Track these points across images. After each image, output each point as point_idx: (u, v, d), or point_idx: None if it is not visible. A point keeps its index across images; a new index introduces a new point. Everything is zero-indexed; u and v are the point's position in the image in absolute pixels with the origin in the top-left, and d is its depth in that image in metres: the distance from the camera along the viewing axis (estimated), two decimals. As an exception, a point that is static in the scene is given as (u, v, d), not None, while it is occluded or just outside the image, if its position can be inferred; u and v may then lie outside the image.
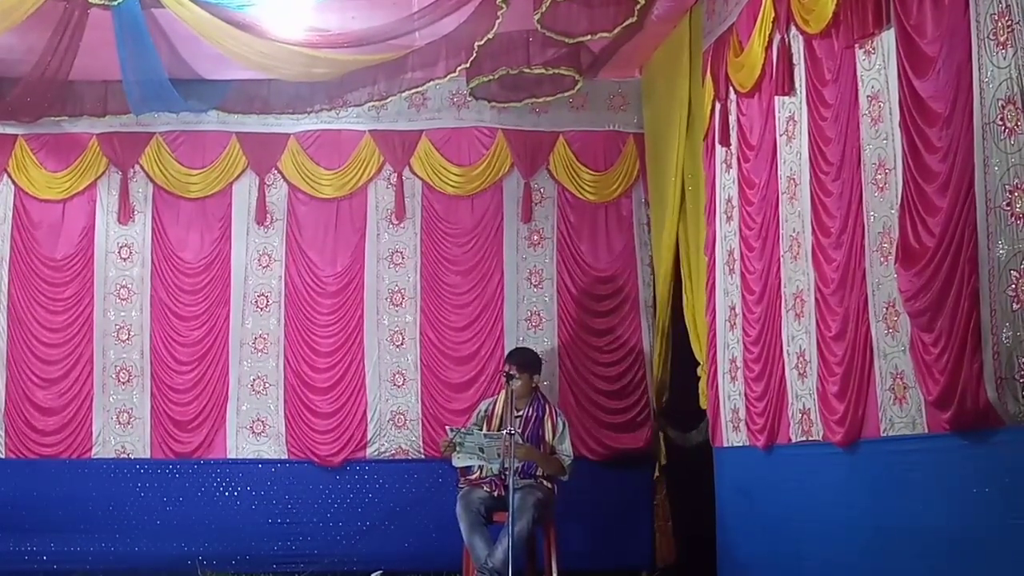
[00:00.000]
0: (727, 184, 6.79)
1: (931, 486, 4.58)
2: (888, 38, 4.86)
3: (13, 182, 8.59)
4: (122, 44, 6.98)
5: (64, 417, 8.43)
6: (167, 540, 8.24)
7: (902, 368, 4.75)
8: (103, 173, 8.63)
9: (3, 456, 8.38)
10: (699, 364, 7.30)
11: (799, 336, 5.77)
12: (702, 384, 7.28)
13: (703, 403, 7.29)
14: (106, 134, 8.58)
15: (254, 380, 8.48)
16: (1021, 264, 3.87)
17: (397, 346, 8.46)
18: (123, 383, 8.49)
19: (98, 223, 8.61)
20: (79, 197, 8.62)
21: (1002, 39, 3.97)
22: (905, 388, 4.75)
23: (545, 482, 6.79)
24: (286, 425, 8.42)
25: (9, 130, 8.54)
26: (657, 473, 7.97)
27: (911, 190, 4.57)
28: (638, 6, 6.69)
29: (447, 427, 6.87)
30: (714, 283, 7.00)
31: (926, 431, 4.60)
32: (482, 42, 7.01)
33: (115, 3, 6.56)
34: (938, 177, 4.39)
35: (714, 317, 7.00)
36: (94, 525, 8.26)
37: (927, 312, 4.43)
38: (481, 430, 6.78)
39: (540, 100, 8.09)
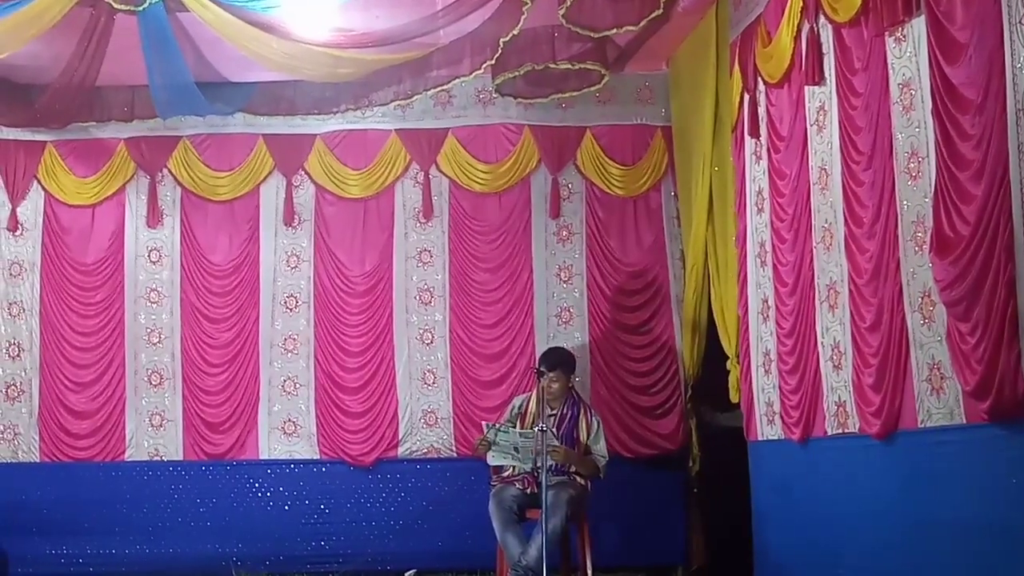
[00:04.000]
0: (757, 176, 6.75)
1: (970, 477, 4.54)
2: (918, 25, 4.81)
3: (43, 188, 8.66)
4: (148, 49, 7.00)
5: (97, 420, 8.49)
6: (201, 541, 8.29)
7: (939, 358, 4.71)
8: (131, 177, 8.67)
9: (38, 460, 8.46)
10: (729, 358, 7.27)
11: (833, 328, 5.72)
12: (732, 378, 7.24)
13: (734, 397, 7.25)
14: (134, 139, 8.62)
15: (285, 381, 8.51)
16: (1059, 251, 3.83)
17: (427, 344, 8.46)
18: (155, 386, 8.54)
19: (127, 227, 8.66)
20: (108, 202, 8.67)
21: (1034, 24, 3.93)
22: (942, 378, 4.70)
23: (578, 479, 6.76)
24: (317, 425, 8.44)
25: (38, 137, 8.61)
26: (691, 464, 7.94)
27: (944, 178, 4.53)
28: (664, -1, 6.67)
29: (484, 423, 6.83)
30: (746, 276, 6.96)
31: (964, 422, 4.56)
32: (507, 38, 6.98)
33: (140, 8, 6.59)
34: (972, 165, 4.35)
35: (746, 310, 6.96)
36: (128, 527, 8.33)
37: (963, 301, 4.40)
38: (515, 427, 6.75)
39: (566, 95, 8.03)
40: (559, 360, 6.93)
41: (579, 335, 8.36)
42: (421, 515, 8.29)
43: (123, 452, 8.47)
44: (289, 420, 8.46)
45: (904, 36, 4.95)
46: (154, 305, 8.61)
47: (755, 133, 6.73)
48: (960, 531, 4.57)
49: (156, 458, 8.46)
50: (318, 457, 8.41)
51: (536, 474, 6.44)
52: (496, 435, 6.51)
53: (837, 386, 5.72)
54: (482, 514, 6.70)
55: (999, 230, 4.14)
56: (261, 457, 8.43)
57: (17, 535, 8.10)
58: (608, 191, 8.45)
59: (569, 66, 7.56)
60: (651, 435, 8.19)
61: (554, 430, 6.59)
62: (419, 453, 8.37)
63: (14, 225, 8.63)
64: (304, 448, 8.43)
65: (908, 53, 4.93)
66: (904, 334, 4.98)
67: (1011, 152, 4.07)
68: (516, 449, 6.48)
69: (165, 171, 8.67)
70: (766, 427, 6.73)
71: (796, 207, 6.15)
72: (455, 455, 8.31)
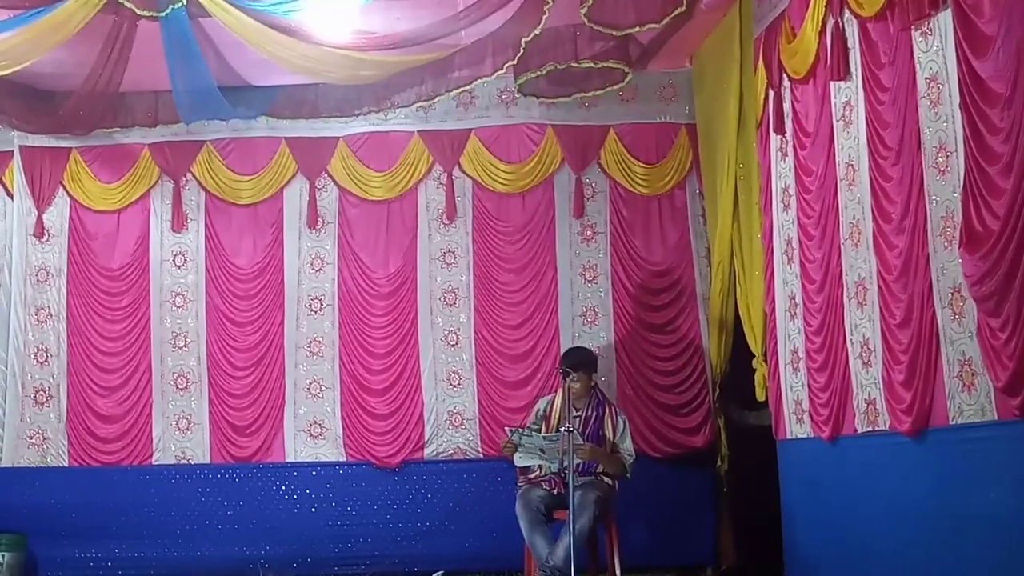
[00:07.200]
0: (783, 172, 6.71)
1: (1002, 474, 4.49)
2: (945, 19, 4.78)
3: (69, 194, 8.74)
4: (171, 54, 7.03)
5: (125, 424, 8.54)
6: (228, 544, 8.33)
7: (969, 354, 4.67)
8: (156, 183, 8.73)
9: (67, 464, 8.51)
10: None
11: (863, 324, 5.68)
12: (758, 376, 7.20)
13: (760, 395, 7.21)
14: (158, 144, 8.68)
15: (310, 383, 8.52)
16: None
17: (452, 346, 8.46)
18: (181, 389, 8.57)
19: (152, 232, 8.71)
20: (133, 207, 8.73)
21: (1063, 14, 3.89)
22: (973, 375, 4.66)
23: (606, 479, 6.73)
24: (343, 427, 8.45)
25: (63, 143, 8.68)
26: (720, 463, 7.89)
27: (973, 172, 4.50)
28: (686, -5, 6.64)
29: (506, 427, 6.82)
30: (772, 273, 6.92)
31: (996, 418, 4.52)
32: (529, 38, 6.96)
33: (163, 14, 6.61)
34: (1001, 158, 4.32)
35: (773, 307, 6.92)
36: (156, 531, 8.37)
37: (993, 296, 4.36)
38: (540, 430, 6.74)
39: (589, 94, 8.01)
40: (580, 360, 6.91)
41: (604, 335, 8.34)
42: (448, 516, 8.28)
43: (150, 456, 8.51)
44: (315, 422, 8.48)
45: (930, 30, 4.92)
46: (179, 309, 8.64)
47: (780, 129, 6.69)
48: (993, 528, 4.53)
49: (183, 461, 8.50)
50: (344, 459, 8.43)
51: (563, 475, 6.41)
52: (520, 438, 6.48)
53: (867, 383, 5.67)
54: (509, 515, 6.68)
55: (1029, 224, 4.11)
56: (287, 460, 8.46)
57: (46, 539, 8.21)
58: (632, 190, 8.43)
59: (592, 65, 7.53)
60: (678, 434, 8.16)
61: (580, 431, 6.56)
62: (445, 454, 8.37)
63: (40, 231, 8.70)
64: (330, 450, 8.45)
65: (935, 47, 4.89)
66: (934, 330, 4.94)
67: (1040, 145, 4.05)
68: (542, 450, 6.47)
69: (189, 176, 8.71)
70: (795, 425, 6.69)
71: (823, 203, 6.12)
72: (481, 456, 8.30)
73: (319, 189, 8.66)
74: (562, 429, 6.32)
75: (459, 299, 8.49)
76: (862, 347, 5.70)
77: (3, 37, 6.71)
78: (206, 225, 8.69)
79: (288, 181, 8.68)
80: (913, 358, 5.12)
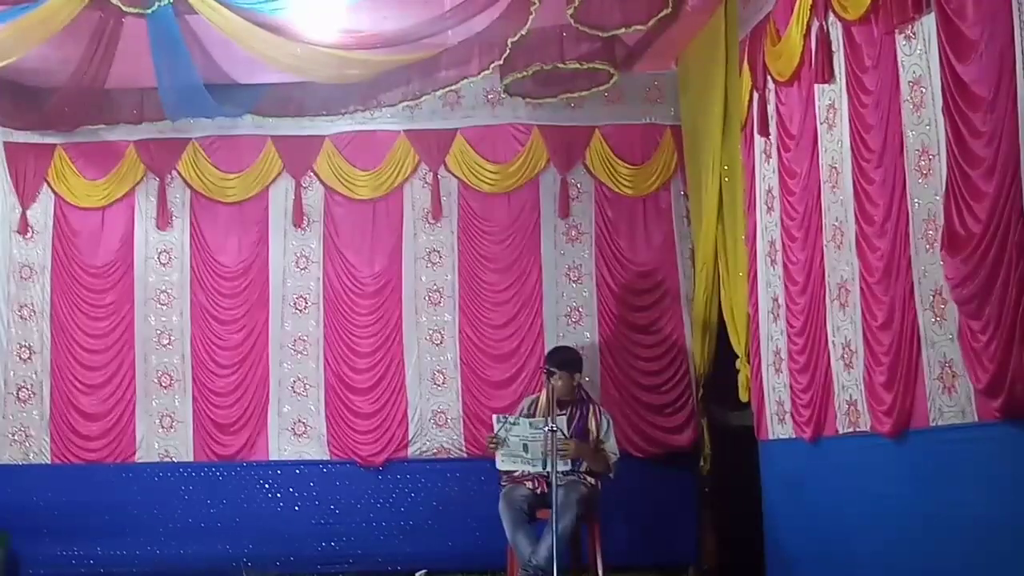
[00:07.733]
0: (767, 174, 6.74)
1: (982, 475, 4.52)
2: (928, 23, 4.80)
3: (53, 191, 8.69)
4: (157, 51, 7.02)
5: (108, 422, 8.51)
6: (211, 542, 8.31)
7: (950, 356, 4.69)
8: (141, 180, 8.69)
9: (49, 462, 8.48)
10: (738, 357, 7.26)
11: (844, 326, 5.71)
12: (742, 377, 7.23)
13: (743, 396, 7.24)
14: (143, 141, 8.64)
15: (294, 382, 8.52)
16: (1070, 248, 3.82)
17: (436, 345, 8.46)
18: (165, 387, 8.55)
19: (137, 230, 8.67)
20: (118, 204, 8.69)
21: (1045, 19, 3.92)
22: (954, 377, 4.68)
23: (589, 478, 6.76)
24: (327, 426, 8.44)
25: (48, 140, 8.63)
26: (702, 463, 7.92)
27: (956, 176, 4.52)
28: (672, -3, 6.66)
29: (494, 415, 6.82)
30: (755, 274, 6.94)
31: (976, 420, 4.54)
32: (515, 38, 6.97)
33: (149, 11, 6.60)
34: (983, 162, 4.34)
35: (756, 309, 6.95)
36: (139, 529, 8.35)
37: (974, 299, 4.39)
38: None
39: (575, 95, 8.01)
40: (564, 359, 6.93)
41: (589, 335, 8.35)
42: (431, 515, 8.29)
43: (133, 454, 8.49)
44: (299, 421, 8.47)
45: (914, 33, 4.94)
46: (164, 307, 8.62)
47: (765, 132, 6.71)
48: (972, 529, 4.55)
49: (166, 459, 8.48)
50: (328, 458, 8.43)
51: (546, 474, 6.42)
52: (506, 428, 6.47)
53: (848, 385, 5.70)
54: (492, 514, 6.70)
55: (1010, 227, 4.13)
56: (271, 458, 8.45)
57: (28, 537, 8.20)
58: (617, 190, 8.44)
59: (578, 66, 7.53)
60: (661, 434, 8.18)
61: (564, 430, 6.57)
62: (429, 453, 8.37)
63: (24, 228, 8.66)
64: (314, 449, 8.44)
65: (918, 50, 4.91)
66: (915, 332, 4.96)
67: (1022, 149, 4.06)
68: (525, 448, 6.44)
69: (174, 173, 8.68)
70: (777, 426, 6.72)
71: (806, 205, 6.14)
72: (465, 455, 8.31)
73: (305, 188, 8.65)
74: (545, 428, 6.32)
75: (444, 298, 8.50)
76: (844, 348, 5.72)
77: (-11, 33, 6.71)
78: (191, 223, 8.66)
79: (274, 179, 8.65)
80: (894, 360, 5.14)
